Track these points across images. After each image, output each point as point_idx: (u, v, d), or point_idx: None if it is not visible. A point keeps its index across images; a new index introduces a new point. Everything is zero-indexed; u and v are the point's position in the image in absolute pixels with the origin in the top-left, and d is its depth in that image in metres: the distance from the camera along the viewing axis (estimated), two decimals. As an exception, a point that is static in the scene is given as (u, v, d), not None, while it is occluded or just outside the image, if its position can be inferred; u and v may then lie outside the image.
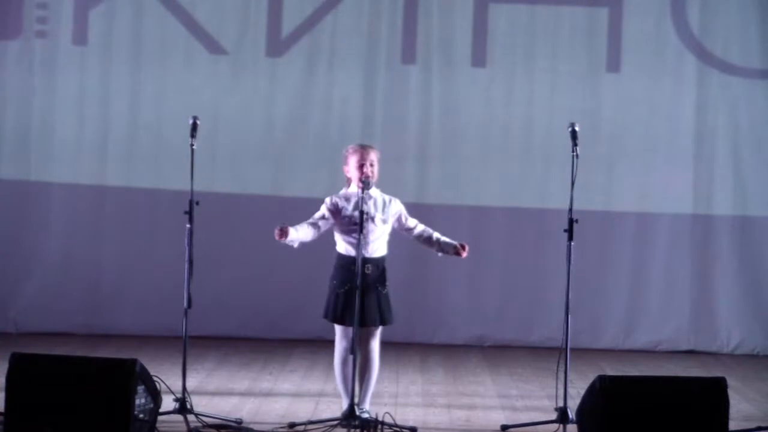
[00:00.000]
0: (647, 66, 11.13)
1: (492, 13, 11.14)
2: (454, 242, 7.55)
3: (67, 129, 11.07)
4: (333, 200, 7.53)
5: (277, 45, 11.14)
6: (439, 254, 7.62)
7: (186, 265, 7.47)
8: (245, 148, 11.08)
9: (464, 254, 7.52)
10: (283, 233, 7.30)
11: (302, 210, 10.28)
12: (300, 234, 7.41)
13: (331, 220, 7.48)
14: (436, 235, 7.59)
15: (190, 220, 7.52)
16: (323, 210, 7.52)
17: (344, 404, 7.32)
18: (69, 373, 6.66)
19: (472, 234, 11.09)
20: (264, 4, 11.12)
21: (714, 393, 6.74)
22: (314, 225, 7.48)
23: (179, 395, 7.47)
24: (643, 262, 11.17)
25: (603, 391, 6.70)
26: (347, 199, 7.50)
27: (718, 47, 11.13)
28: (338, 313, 7.39)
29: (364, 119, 11.08)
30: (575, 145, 7.61)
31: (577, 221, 7.53)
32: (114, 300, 11.05)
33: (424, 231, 7.60)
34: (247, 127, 11.10)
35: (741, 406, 8.35)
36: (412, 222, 7.62)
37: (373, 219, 7.41)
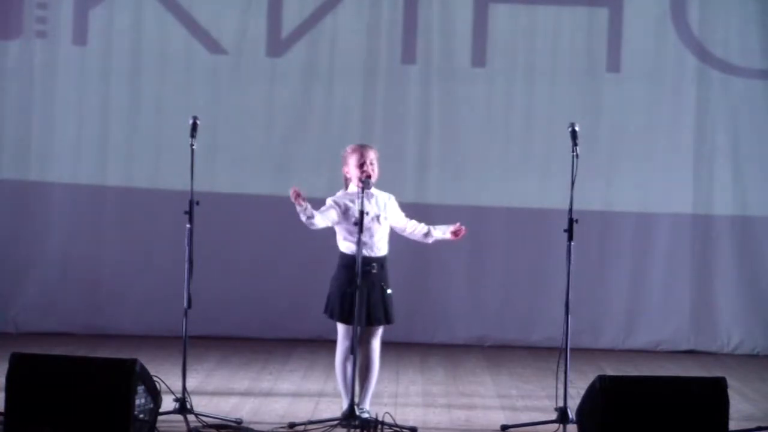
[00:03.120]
0: (647, 66, 11.14)
1: (492, 13, 11.14)
2: (449, 227, 7.59)
3: (67, 129, 11.07)
4: (336, 201, 7.51)
5: (277, 45, 11.14)
6: (430, 241, 7.66)
7: (186, 265, 7.47)
8: (245, 148, 11.09)
9: (461, 234, 7.57)
10: (300, 195, 7.15)
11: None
12: (315, 213, 7.30)
13: (340, 215, 7.43)
14: (428, 225, 7.63)
15: (190, 220, 7.52)
16: (330, 203, 7.46)
17: (344, 404, 7.32)
18: (69, 373, 6.66)
19: (472, 234, 11.04)
20: (264, 4, 11.12)
21: (714, 393, 6.74)
22: (326, 214, 7.39)
23: (179, 395, 7.47)
24: (643, 261, 11.17)
25: (603, 391, 6.70)
26: (350, 198, 7.48)
27: (718, 47, 11.14)
28: (345, 312, 7.37)
29: (364, 119, 11.08)
30: (575, 145, 7.61)
31: (577, 221, 7.53)
32: (114, 300, 11.05)
33: (417, 226, 7.61)
34: (247, 127, 11.10)
35: (741, 406, 8.35)
36: (403, 218, 7.61)
37: (377, 218, 7.41)
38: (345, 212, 7.41)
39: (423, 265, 10.80)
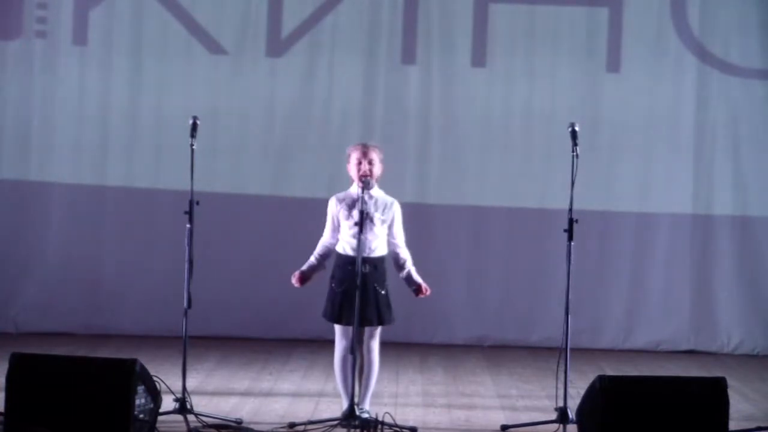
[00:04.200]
0: (647, 66, 11.13)
1: (492, 13, 11.14)
2: (420, 281, 7.56)
3: (67, 129, 11.07)
4: (335, 201, 7.54)
5: (277, 45, 11.14)
6: (401, 274, 7.64)
7: (186, 265, 7.48)
8: (245, 148, 11.08)
9: (421, 295, 7.58)
10: (303, 279, 7.49)
11: (302, 210, 10.43)
12: (319, 266, 7.56)
13: (338, 224, 7.50)
14: (409, 264, 7.60)
15: (190, 220, 7.52)
16: (330, 219, 7.53)
17: (344, 404, 7.33)
18: (69, 373, 6.66)
19: (472, 234, 11.15)
20: (264, 4, 11.12)
21: (714, 393, 6.74)
22: (329, 244, 7.54)
23: (179, 395, 7.47)
24: (643, 262, 11.17)
25: (603, 391, 6.70)
26: (348, 198, 7.50)
27: (718, 47, 11.13)
28: (336, 312, 7.40)
29: (364, 119, 11.07)
30: (575, 145, 7.62)
31: (577, 221, 7.53)
32: (114, 300, 11.04)
33: (400, 254, 7.59)
34: (247, 127, 11.10)
35: (741, 406, 8.35)
36: (399, 237, 7.59)
37: (372, 219, 7.41)
38: (338, 213, 7.45)
39: (422, 265, 10.64)
